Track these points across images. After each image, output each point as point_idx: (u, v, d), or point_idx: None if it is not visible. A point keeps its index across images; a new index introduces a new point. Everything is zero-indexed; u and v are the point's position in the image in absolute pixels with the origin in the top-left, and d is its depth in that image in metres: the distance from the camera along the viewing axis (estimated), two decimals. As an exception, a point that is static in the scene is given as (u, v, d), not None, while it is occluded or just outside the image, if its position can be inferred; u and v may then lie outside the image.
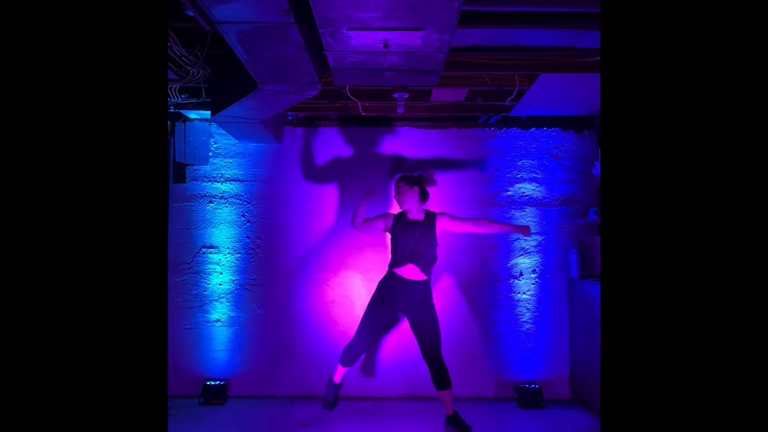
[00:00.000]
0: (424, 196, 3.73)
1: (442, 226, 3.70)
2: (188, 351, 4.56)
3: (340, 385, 3.72)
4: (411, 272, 3.59)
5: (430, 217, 3.69)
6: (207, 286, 4.61)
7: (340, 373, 3.71)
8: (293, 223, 4.59)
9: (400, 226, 3.65)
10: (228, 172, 4.67)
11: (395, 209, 3.85)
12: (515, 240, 4.62)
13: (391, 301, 3.64)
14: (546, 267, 4.63)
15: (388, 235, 3.82)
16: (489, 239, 4.61)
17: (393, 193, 3.80)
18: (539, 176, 4.67)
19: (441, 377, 3.64)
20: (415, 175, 3.77)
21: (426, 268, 3.63)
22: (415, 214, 3.69)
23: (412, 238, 3.59)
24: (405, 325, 4.41)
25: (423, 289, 3.64)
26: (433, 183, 3.76)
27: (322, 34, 2.51)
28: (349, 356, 3.65)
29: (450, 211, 4.59)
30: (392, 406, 4.36)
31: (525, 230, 3.74)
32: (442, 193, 4.64)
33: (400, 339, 4.54)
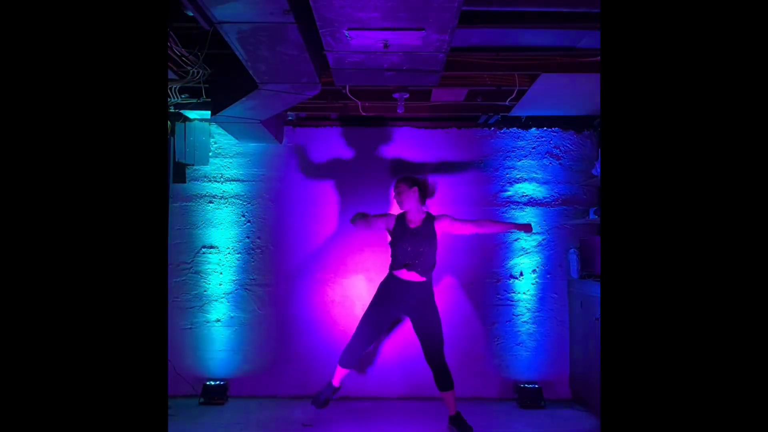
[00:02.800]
0: (423, 197, 3.76)
1: (443, 228, 3.73)
2: (188, 351, 4.56)
3: (337, 389, 3.68)
4: (410, 275, 3.64)
5: (430, 220, 3.72)
6: (207, 286, 4.61)
7: (339, 376, 3.69)
8: (293, 223, 4.59)
9: (399, 231, 3.68)
10: (228, 172, 4.67)
11: (395, 210, 3.88)
12: (515, 240, 4.62)
13: (392, 302, 3.65)
14: (546, 267, 4.63)
15: (388, 236, 3.84)
16: (489, 239, 4.61)
17: (393, 194, 3.82)
18: (539, 176, 4.67)
19: (444, 378, 3.65)
20: (417, 177, 3.80)
21: (425, 272, 3.66)
22: (415, 215, 3.71)
23: (410, 245, 3.63)
24: (405, 326, 4.42)
25: (424, 289, 3.66)
26: (432, 193, 3.84)
27: (322, 34, 2.51)
28: (348, 357, 3.64)
29: (450, 212, 4.62)
30: (392, 406, 4.36)
31: (527, 228, 3.78)
32: (443, 193, 4.64)
33: (401, 339, 4.54)
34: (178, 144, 4.52)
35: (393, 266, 3.70)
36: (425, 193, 3.76)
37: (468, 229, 3.85)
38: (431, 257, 3.68)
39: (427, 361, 3.68)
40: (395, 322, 3.85)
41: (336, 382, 3.68)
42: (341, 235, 4.58)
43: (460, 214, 4.60)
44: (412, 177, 3.78)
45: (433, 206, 4.61)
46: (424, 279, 3.65)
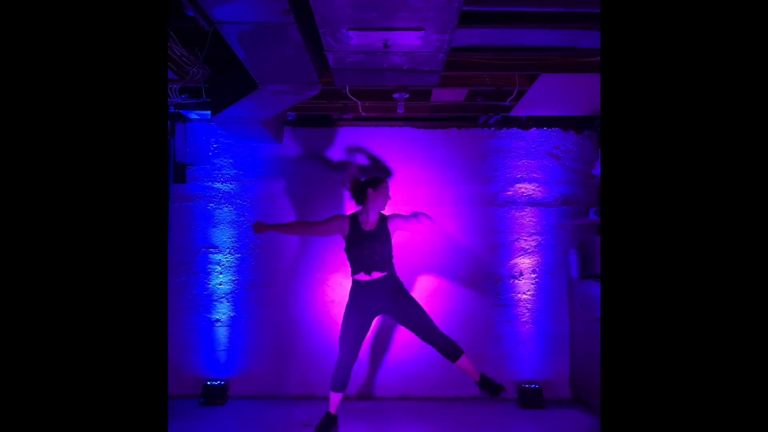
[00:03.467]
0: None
1: (396, 226, 3.75)
2: (188, 351, 4.56)
3: (335, 418, 3.65)
4: (371, 275, 3.64)
5: (383, 220, 3.73)
6: (207, 286, 4.61)
7: (335, 402, 3.64)
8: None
9: (355, 235, 3.69)
10: (228, 172, 4.67)
11: (348, 209, 3.87)
12: (515, 240, 4.62)
13: (364, 306, 3.65)
14: (546, 267, 4.63)
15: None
16: (490, 238, 4.61)
17: (373, 194, 3.72)
18: (539, 176, 4.67)
19: (450, 350, 3.61)
20: (380, 178, 3.81)
21: (384, 266, 3.66)
22: (372, 216, 3.72)
23: (366, 248, 3.64)
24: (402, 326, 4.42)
25: (389, 280, 3.67)
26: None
27: (322, 34, 2.51)
28: (339, 379, 3.59)
29: (450, 212, 4.62)
30: (392, 405, 4.36)
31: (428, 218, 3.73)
32: (443, 194, 4.64)
33: (399, 339, 4.54)
34: (178, 144, 4.52)
35: (353, 271, 3.70)
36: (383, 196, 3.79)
37: (413, 226, 3.80)
38: (387, 252, 3.68)
39: (427, 342, 3.64)
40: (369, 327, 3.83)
41: (333, 410, 3.64)
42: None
43: (459, 215, 4.61)
44: (377, 178, 3.79)
45: (432, 206, 4.61)
46: (385, 273, 3.65)
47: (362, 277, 3.65)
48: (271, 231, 3.90)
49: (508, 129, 4.70)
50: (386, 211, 3.84)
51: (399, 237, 3.95)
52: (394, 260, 3.76)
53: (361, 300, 3.66)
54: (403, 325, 3.71)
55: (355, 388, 4.48)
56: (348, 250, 3.71)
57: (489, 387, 3.65)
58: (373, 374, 4.58)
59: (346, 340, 3.61)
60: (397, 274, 3.76)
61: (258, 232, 3.85)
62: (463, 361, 3.62)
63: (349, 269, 3.68)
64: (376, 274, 3.64)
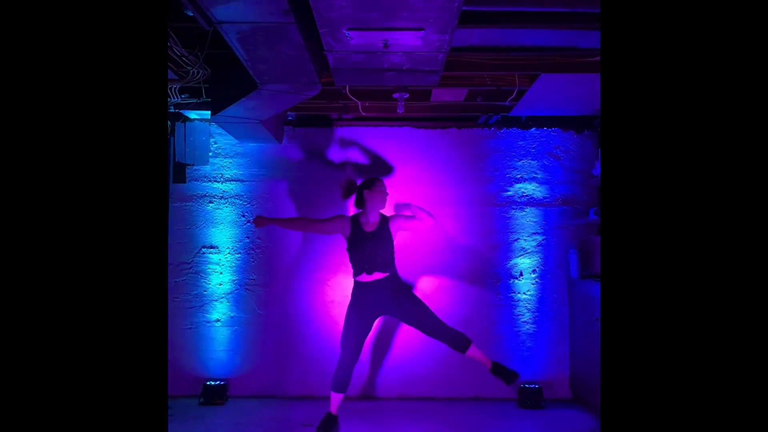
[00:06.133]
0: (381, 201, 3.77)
1: (397, 227, 3.76)
2: (188, 351, 4.56)
3: (336, 418, 3.64)
4: (372, 276, 3.65)
5: (385, 221, 3.75)
6: (207, 286, 4.61)
7: (336, 403, 3.63)
8: (293, 223, 4.59)
9: (355, 235, 3.70)
10: (228, 172, 4.67)
11: (350, 210, 3.90)
12: (515, 240, 4.62)
13: (366, 307, 3.65)
14: (546, 267, 4.62)
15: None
16: (490, 238, 4.61)
17: (371, 194, 3.73)
18: (539, 176, 4.67)
19: (459, 341, 3.62)
20: (374, 178, 3.82)
21: (386, 267, 3.67)
22: (374, 217, 3.74)
23: (368, 248, 3.65)
24: (403, 327, 4.42)
25: (391, 280, 3.68)
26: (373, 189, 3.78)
27: (322, 34, 2.51)
28: (340, 380, 3.59)
29: (452, 212, 4.62)
30: (392, 406, 4.36)
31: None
32: (443, 194, 4.64)
33: (399, 339, 4.54)
34: (178, 144, 4.52)
35: (355, 273, 3.71)
36: (382, 196, 3.79)
37: (415, 225, 3.82)
38: (389, 254, 3.69)
39: (432, 337, 3.65)
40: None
41: (334, 410, 3.63)
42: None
43: (459, 214, 4.61)
44: (373, 179, 3.79)
45: (432, 206, 4.61)
46: (387, 273, 3.66)
47: (364, 278, 3.65)
48: (272, 225, 3.91)
49: (508, 129, 4.70)
50: (388, 212, 3.84)
51: (400, 238, 3.95)
52: (397, 261, 3.76)
53: (362, 301, 3.66)
54: (407, 323, 3.72)
55: (357, 388, 4.48)
56: (350, 250, 3.73)
57: (503, 374, 3.64)
58: (374, 374, 4.58)
59: (348, 341, 3.61)
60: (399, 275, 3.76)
61: (259, 226, 3.84)
62: (473, 351, 3.62)
63: (350, 269, 3.69)
64: (378, 275, 3.64)
